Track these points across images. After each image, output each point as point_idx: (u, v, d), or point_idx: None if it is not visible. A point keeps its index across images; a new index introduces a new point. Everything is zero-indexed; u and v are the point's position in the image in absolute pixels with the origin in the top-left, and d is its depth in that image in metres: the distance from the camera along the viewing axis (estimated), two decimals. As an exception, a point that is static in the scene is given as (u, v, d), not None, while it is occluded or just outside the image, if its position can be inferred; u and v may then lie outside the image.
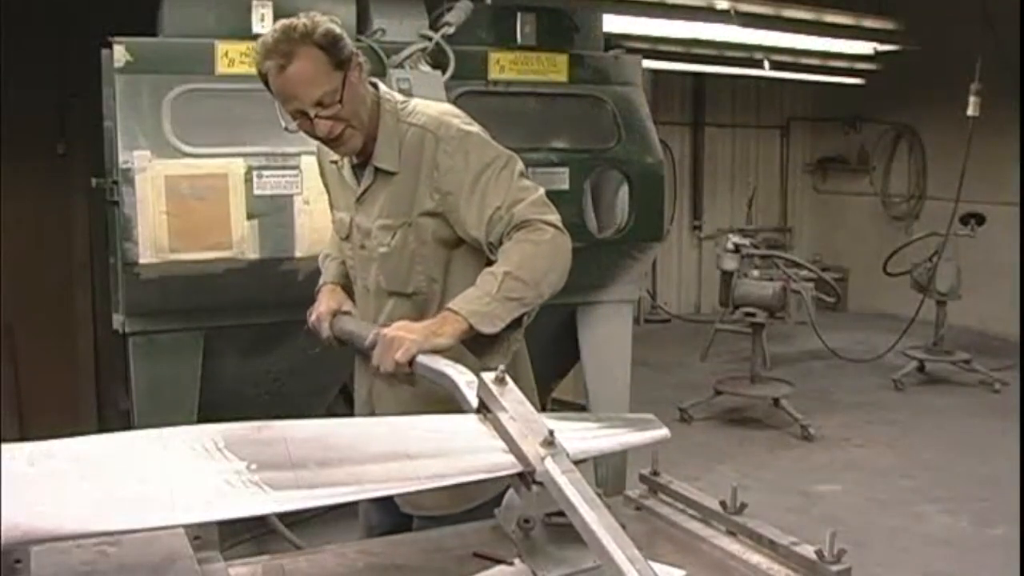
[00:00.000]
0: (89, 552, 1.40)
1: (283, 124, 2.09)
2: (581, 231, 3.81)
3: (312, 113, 2.01)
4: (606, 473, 4.01)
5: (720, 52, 6.78)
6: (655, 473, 1.89)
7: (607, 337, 4.16)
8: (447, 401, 1.77)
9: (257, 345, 3.59)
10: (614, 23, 4.85)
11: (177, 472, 1.31)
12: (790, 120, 10.42)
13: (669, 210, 8.04)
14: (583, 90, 4.04)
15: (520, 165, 2.11)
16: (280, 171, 3.37)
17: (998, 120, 7.11)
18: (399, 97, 2.18)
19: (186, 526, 1.44)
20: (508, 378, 1.59)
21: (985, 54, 6.35)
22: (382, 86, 2.19)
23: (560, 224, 2.04)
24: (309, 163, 3.26)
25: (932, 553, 4.24)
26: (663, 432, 1.68)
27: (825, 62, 7.41)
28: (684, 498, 1.81)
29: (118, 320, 3.45)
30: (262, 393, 3.72)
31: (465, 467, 1.49)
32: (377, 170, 2.13)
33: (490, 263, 2.03)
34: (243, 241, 3.32)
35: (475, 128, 2.12)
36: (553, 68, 3.98)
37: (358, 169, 2.20)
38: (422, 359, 1.89)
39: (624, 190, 4.01)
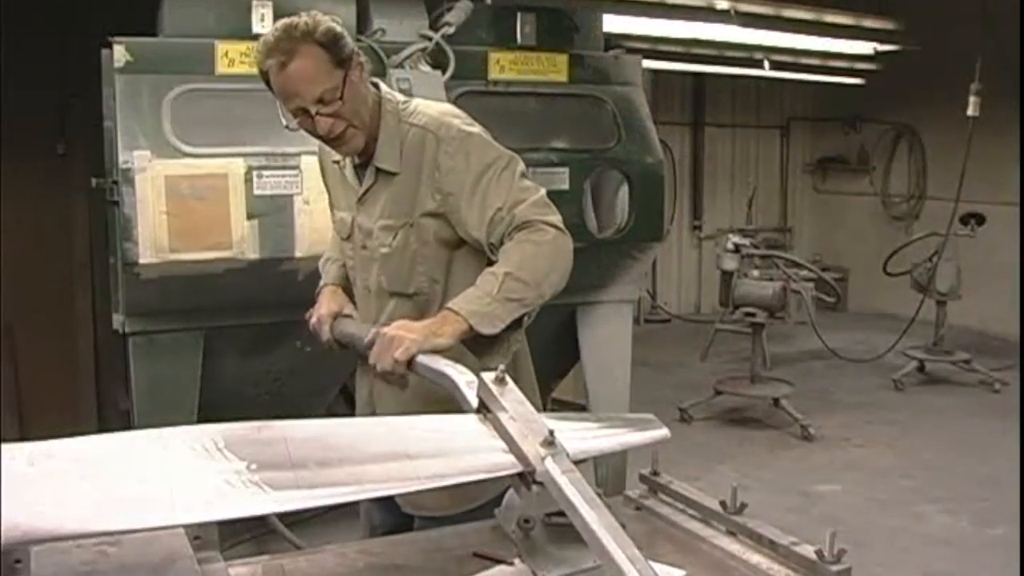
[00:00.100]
0: (89, 552, 1.40)
1: (284, 122, 2.08)
2: (581, 231, 3.81)
3: (313, 111, 2.01)
4: (606, 473, 4.01)
5: (720, 52, 6.78)
6: (655, 473, 1.89)
7: (607, 337, 4.16)
8: (447, 401, 1.77)
9: (257, 345, 3.59)
10: (614, 23, 4.85)
11: (177, 472, 1.31)
12: (790, 120, 10.42)
13: (669, 210, 8.05)
14: (583, 90, 4.04)
15: (521, 166, 2.11)
16: (280, 171, 3.37)
17: (998, 120, 7.11)
18: (400, 97, 2.18)
19: (186, 526, 1.44)
20: (508, 378, 1.59)
21: (985, 54, 6.35)
22: (383, 86, 2.19)
23: (561, 225, 2.04)
24: (309, 163, 3.26)
25: (932, 553, 4.24)
26: (663, 432, 1.68)
27: (825, 62, 7.42)
28: (684, 498, 1.81)
29: (118, 320, 3.45)
30: (262, 393, 3.72)
31: (465, 467, 1.49)
32: (378, 170, 2.13)
33: (491, 263, 2.03)
34: (243, 241, 3.32)
35: (476, 129, 2.12)
36: (553, 68, 3.98)
37: (360, 169, 2.20)
38: (422, 359, 1.89)
39: (624, 190, 4.01)
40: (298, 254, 3.38)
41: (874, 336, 8.05)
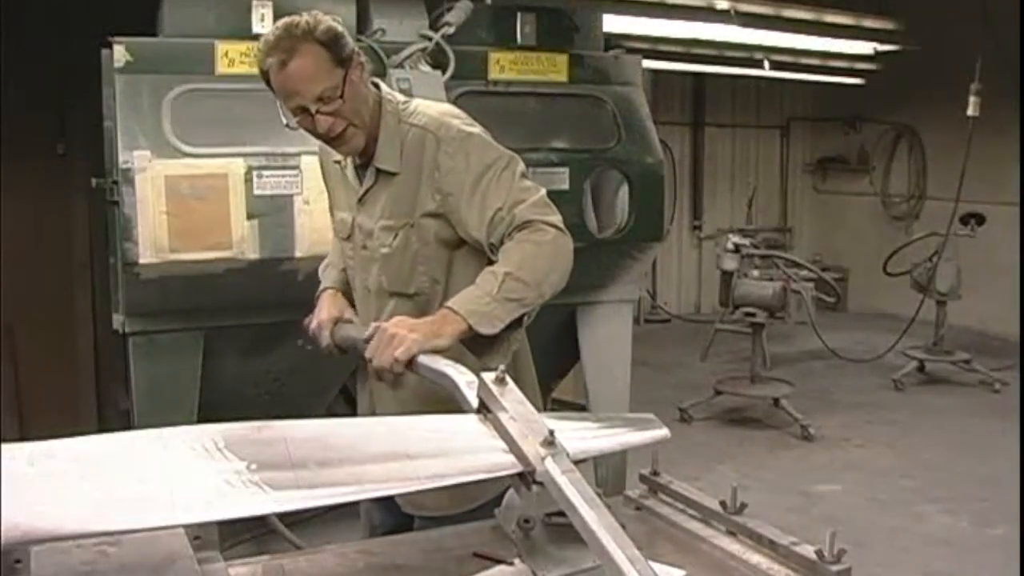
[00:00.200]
0: (89, 552, 1.40)
1: (284, 121, 2.08)
2: (581, 231, 3.80)
3: (313, 109, 2.02)
4: (606, 473, 4.01)
5: (720, 52, 6.78)
6: (655, 473, 1.89)
7: (607, 337, 4.16)
8: (447, 401, 1.77)
9: (257, 345, 3.59)
10: (614, 23, 4.85)
11: (177, 472, 1.31)
12: (790, 120, 10.42)
13: (669, 210, 8.05)
14: (583, 90, 4.04)
15: (521, 166, 2.11)
16: (280, 171, 3.37)
17: (998, 120, 7.11)
18: (401, 98, 2.18)
19: (186, 526, 1.44)
20: (508, 378, 1.59)
21: (985, 54, 6.35)
22: (384, 86, 2.19)
23: (562, 225, 2.04)
24: (309, 163, 3.26)
25: (932, 553, 4.24)
26: (663, 432, 1.68)
27: (825, 62, 7.42)
28: (684, 498, 1.81)
29: (118, 320, 3.45)
30: (262, 393, 3.72)
31: (465, 467, 1.49)
32: (379, 171, 2.13)
33: (492, 263, 2.02)
34: (243, 241, 3.32)
35: (476, 129, 2.12)
36: (553, 68, 3.98)
37: (360, 170, 2.20)
38: (423, 359, 1.88)
39: (624, 190, 4.01)
40: (298, 254, 3.37)
41: (874, 336, 8.05)
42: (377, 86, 2.17)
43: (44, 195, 5.30)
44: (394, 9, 3.79)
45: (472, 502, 2.05)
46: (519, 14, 3.94)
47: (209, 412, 3.30)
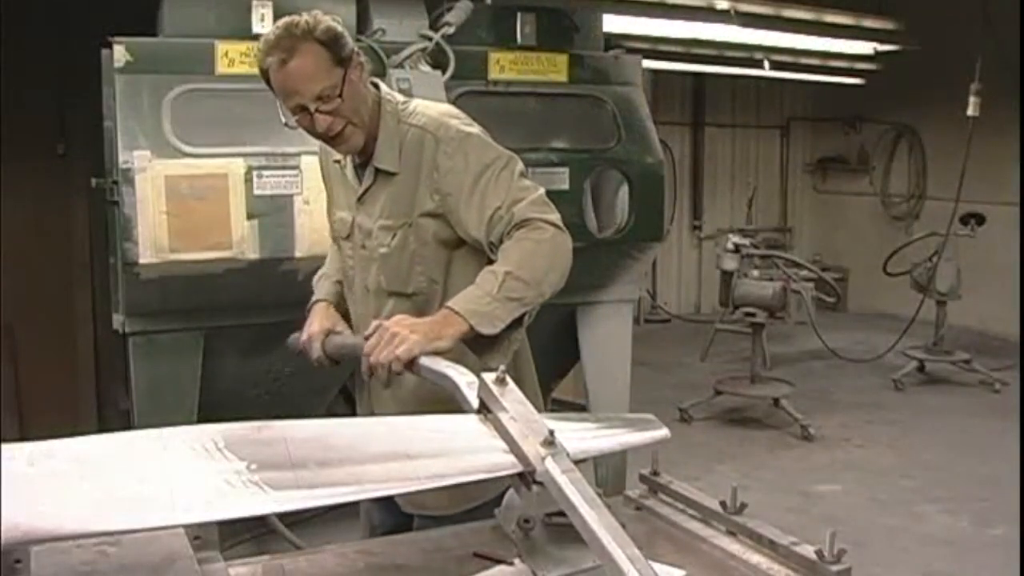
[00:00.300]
0: (89, 552, 1.40)
1: (283, 120, 2.09)
2: (581, 231, 3.80)
3: (312, 108, 2.02)
4: (606, 473, 4.01)
5: (720, 52, 6.77)
6: (655, 473, 1.89)
7: (607, 337, 4.16)
8: (447, 402, 1.77)
9: (257, 345, 3.59)
10: (614, 23, 4.85)
11: (177, 472, 1.31)
12: (790, 120, 10.42)
13: (669, 210, 8.05)
14: (583, 90, 4.04)
15: (520, 165, 2.11)
16: (280, 171, 3.37)
17: (998, 120, 7.11)
18: (400, 98, 2.19)
19: (186, 526, 1.44)
20: (508, 378, 1.59)
21: (985, 54, 6.35)
22: (384, 86, 2.19)
23: (560, 223, 2.04)
24: (309, 163, 3.26)
25: (932, 553, 4.24)
26: (663, 432, 1.68)
27: (825, 62, 7.41)
28: (684, 498, 1.81)
29: (118, 320, 3.45)
30: (262, 393, 3.72)
31: (465, 467, 1.48)
32: (378, 171, 2.14)
33: (491, 263, 2.02)
34: (243, 241, 3.32)
35: (475, 129, 2.12)
36: (553, 68, 3.98)
37: (359, 169, 2.20)
38: (424, 361, 1.88)
39: (624, 190, 4.01)
40: (298, 254, 3.37)
41: (874, 336, 8.05)
42: (377, 86, 2.17)
43: (44, 195, 5.30)
44: (394, 9, 3.79)
45: (472, 502, 2.05)
46: (519, 14, 3.94)
47: (209, 412, 3.30)
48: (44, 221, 5.35)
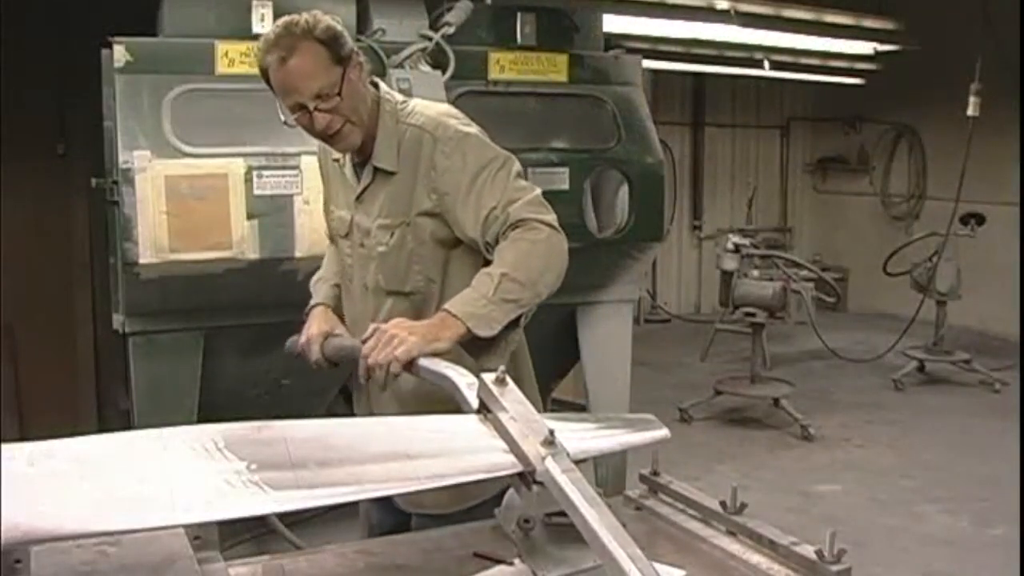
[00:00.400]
0: (89, 552, 1.40)
1: (282, 119, 2.09)
2: (581, 231, 3.80)
3: (311, 106, 2.03)
4: (606, 473, 4.01)
5: (720, 52, 6.77)
6: (655, 473, 1.89)
7: (607, 337, 4.15)
8: (446, 401, 1.77)
9: (257, 345, 3.59)
10: (614, 23, 4.85)
11: (177, 472, 1.31)
12: (790, 120, 10.42)
13: (669, 210, 8.05)
14: (583, 90, 4.04)
15: (517, 166, 2.11)
16: (280, 171, 3.37)
17: (998, 120, 7.11)
18: (399, 97, 2.19)
19: (186, 526, 1.44)
20: (508, 378, 1.59)
21: (985, 54, 6.35)
22: (383, 85, 2.20)
23: (556, 224, 2.04)
24: (309, 163, 3.26)
25: (932, 553, 4.24)
26: (663, 432, 1.68)
27: (825, 62, 7.41)
28: (684, 498, 1.81)
29: (118, 320, 3.45)
30: (262, 393, 3.71)
31: (465, 467, 1.48)
32: (376, 169, 2.15)
33: (488, 263, 2.03)
34: (243, 241, 3.32)
35: (473, 129, 2.13)
36: (553, 68, 3.98)
37: (358, 168, 2.21)
38: (423, 362, 1.88)
39: (624, 190, 4.01)
40: (298, 254, 3.37)
41: (874, 336, 8.05)
42: (376, 85, 2.18)
43: (44, 195, 5.29)
44: (394, 9, 3.78)
45: (470, 500, 2.05)
46: (519, 14, 3.94)
47: (209, 412, 3.30)
48: (44, 221, 5.35)
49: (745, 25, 5.80)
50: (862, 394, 6.85)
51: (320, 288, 2.38)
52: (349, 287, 2.30)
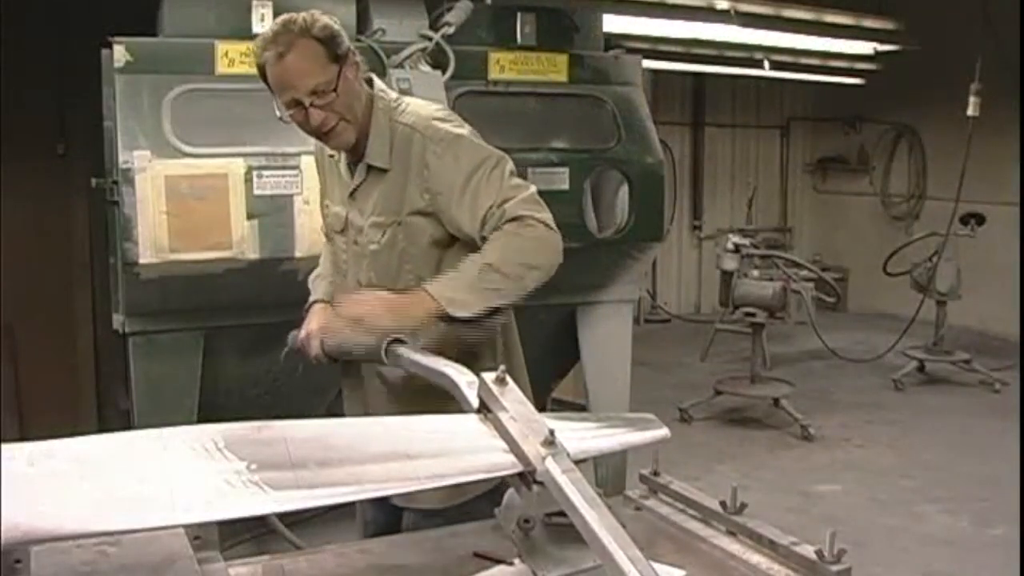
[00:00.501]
0: (89, 552, 1.40)
1: (278, 114, 2.13)
2: (581, 231, 3.81)
3: (307, 102, 2.06)
4: (606, 473, 4.01)
5: (720, 52, 6.77)
6: (655, 473, 1.89)
7: (607, 337, 4.15)
8: (438, 395, 1.80)
9: (257, 345, 3.59)
10: (614, 23, 4.85)
11: (177, 472, 1.31)
12: (790, 120, 10.42)
13: (669, 210, 8.04)
14: (583, 90, 4.04)
15: (510, 165, 2.14)
16: (280, 171, 3.37)
17: (998, 120, 7.11)
18: (393, 95, 2.23)
19: (186, 526, 1.44)
20: (508, 378, 1.59)
21: (985, 54, 6.35)
22: (378, 83, 2.22)
23: (551, 222, 2.07)
24: (309, 163, 3.25)
25: (932, 553, 4.23)
26: (663, 432, 1.68)
27: (825, 62, 7.41)
28: (684, 498, 1.81)
29: (118, 320, 3.45)
30: (262, 393, 3.71)
31: (465, 467, 1.49)
32: (370, 167, 2.18)
33: None
34: (243, 241, 3.32)
35: (465, 130, 2.16)
36: (553, 68, 3.98)
37: (352, 165, 2.24)
38: (422, 359, 1.91)
39: (624, 190, 4.01)
40: (298, 254, 3.37)
41: (874, 336, 8.05)
42: (370, 83, 2.20)
43: (44, 195, 5.29)
44: (394, 9, 3.78)
45: (462, 496, 2.06)
46: (519, 14, 3.94)
47: (209, 412, 3.30)
48: (44, 221, 5.35)
49: (745, 25, 5.79)
50: (862, 394, 6.85)
51: (319, 285, 2.41)
52: (343, 283, 2.33)
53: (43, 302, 5.34)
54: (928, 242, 7.22)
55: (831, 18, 6.37)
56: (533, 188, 2.11)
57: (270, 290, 3.35)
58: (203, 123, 3.34)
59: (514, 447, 1.46)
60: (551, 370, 4.28)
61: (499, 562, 1.54)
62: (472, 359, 1.95)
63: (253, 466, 1.31)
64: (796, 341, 7.89)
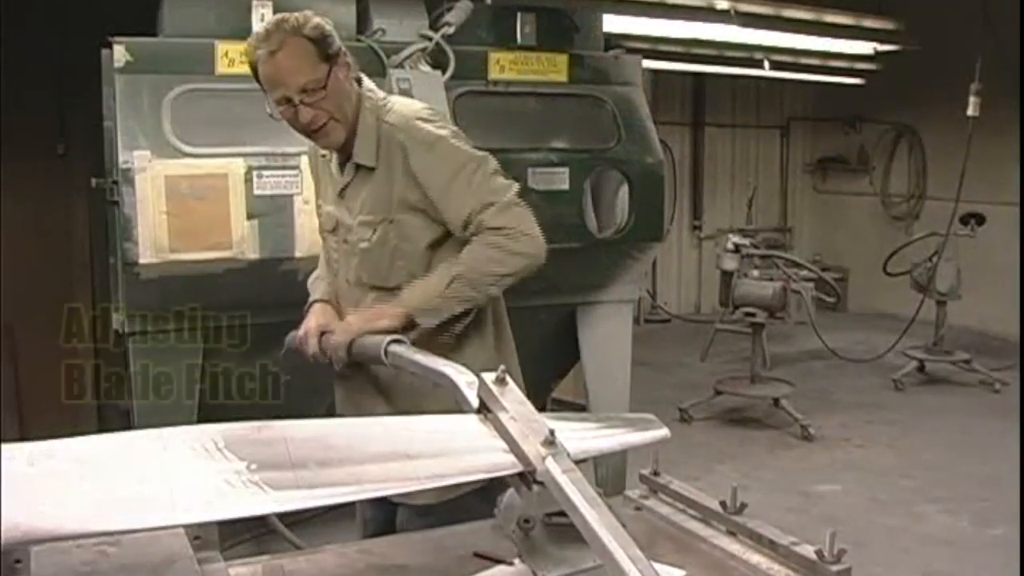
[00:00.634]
0: (89, 552, 1.40)
1: (268, 111, 2.16)
2: (581, 231, 3.81)
3: (296, 100, 2.09)
4: (606, 473, 4.00)
5: (720, 52, 6.77)
6: (655, 473, 1.89)
7: (607, 337, 4.15)
8: (427, 393, 1.86)
9: (257, 345, 3.59)
10: (614, 23, 4.85)
11: (177, 472, 1.31)
12: (790, 120, 10.41)
13: (669, 210, 8.03)
14: (583, 90, 4.03)
15: (492, 165, 2.18)
16: (280, 171, 3.37)
17: (998, 120, 7.11)
18: (381, 94, 2.25)
19: (186, 526, 1.44)
20: (508, 378, 1.59)
21: (985, 54, 6.35)
22: (367, 82, 2.25)
23: (529, 229, 2.13)
24: (309, 163, 3.26)
25: (932, 553, 4.23)
26: (663, 432, 1.68)
27: (825, 62, 7.41)
28: (684, 498, 1.81)
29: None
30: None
31: (465, 467, 1.49)
32: (358, 166, 2.21)
33: None
34: (243, 241, 3.32)
35: (446, 132, 2.19)
36: (553, 68, 3.98)
37: (342, 165, 2.27)
38: (421, 359, 1.94)
39: (624, 190, 4.01)
40: (298, 254, 3.37)
41: (874, 336, 8.04)
42: (359, 82, 2.21)
43: (44, 195, 5.29)
44: (394, 9, 3.78)
45: (455, 491, 2.06)
46: (519, 14, 3.94)
47: (209, 412, 3.30)
48: (44, 221, 5.35)
49: (745, 25, 5.79)
50: (862, 394, 6.84)
51: (318, 285, 2.44)
52: (336, 281, 2.36)
53: (43, 302, 5.33)
54: (928, 242, 7.22)
55: (831, 18, 6.37)
56: (515, 188, 2.17)
57: (270, 290, 3.35)
58: (203, 123, 3.34)
59: (514, 447, 1.46)
60: (551, 370, 4.28)
61: (499, 562, 1.54)
62: (460, 339, 2.13)
63: (253, 466, 1.31)
64: (796, 341, 7.88)
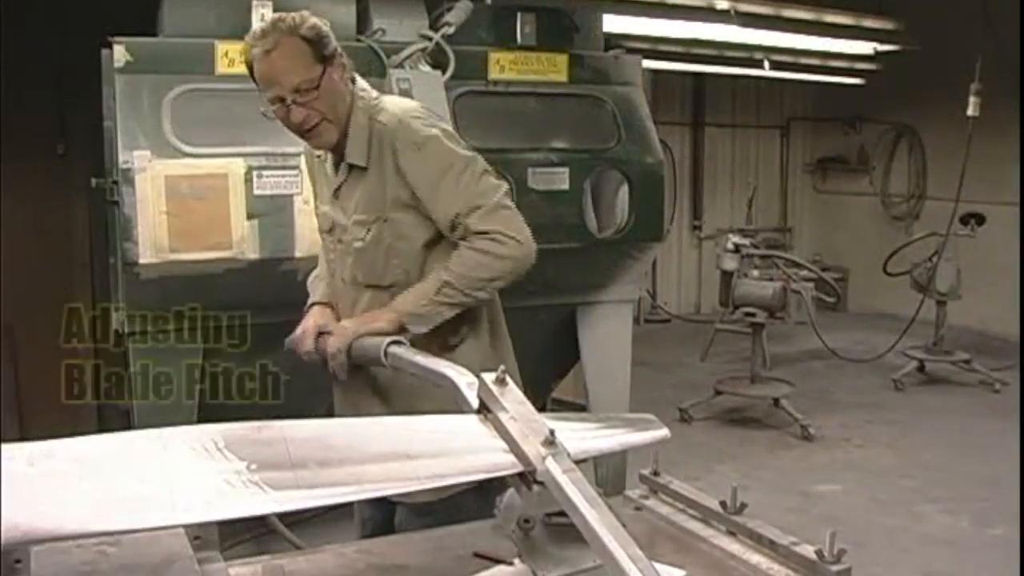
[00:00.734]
0: (89, 552, 1.40)
1: (261, 109, 2.17)
2: (581, 231, 3.81)
3: (289, 99, 2.10)
4: (606, 473, 4.00)
5: (720, 52, 6.77)
6: (655, 473, 1.89)
7: (607, 337, 4.15)
8: (422, 393, 1.87)
9: (257, 345, 3.59)
10: (614, 23, 4.85)
11: (177, 472, 1.31)
12: (790, 120, 10.41)
13: (669, 210, 8.03)
14: (583, 90, 4.03)
15: (480, 165, 2.19)
16: (280, 171, 3.37)
17: (998, 120, 7.11)
18: (374, 94, 2.26)
19: (186, 526, 1.44)
20: (508, 378, 1.59)
21: (985, 54, 6.35)
22: (360, 82, 2.25)
23: (518, 233, 2.15)
24: (309, 163, 3.26)
25: (932, 553, 4.23)
26: (663, 432, 1.68)
27: (825, 62, 7.41)
28: (684, 498, 1.81)
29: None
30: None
31: (465, 467, 1.49)
32: (351, 166, 2.21)
33: None
34: (243, 241, 3.32)
35: (435, 131, 2.19)
36: (553, 68, 3.98)
37: (337, 165, 2.28)
38: (421, 360, 1.95)
39: (624, 190, 4.01)
40: (298, 254, 3.37)
41: (874, 336, 8.04)
42: (352, 81, 2.22)
43: (44, 195, 5.30)
44: (394, 9, 3.79)
45: (452, 489, 2.07)
46: (519, 14, 3.94)
47: (209, 412, 3.30)
48: (44, 221, 5.35)
49: (745, 25, 5.79)
50: (862, 394, 6.84)
51: (317, 286, 2.45)
52: (332, 281, 2.37)
53: (43, 302, 5.33)
54: (928, 242, 7.22)
55: (831, 18, 6.37)
56: (504, 188, 2.18)
57: (270, 290, 3.35)
58: (203, 123, 3.35)
59: (514, 447, 1.46)
60: (551, 370, 4.28)
61: (499, 562, 1.54)
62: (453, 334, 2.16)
63: (253, 466, 1.31)
64: (796, 341, 7.88)
